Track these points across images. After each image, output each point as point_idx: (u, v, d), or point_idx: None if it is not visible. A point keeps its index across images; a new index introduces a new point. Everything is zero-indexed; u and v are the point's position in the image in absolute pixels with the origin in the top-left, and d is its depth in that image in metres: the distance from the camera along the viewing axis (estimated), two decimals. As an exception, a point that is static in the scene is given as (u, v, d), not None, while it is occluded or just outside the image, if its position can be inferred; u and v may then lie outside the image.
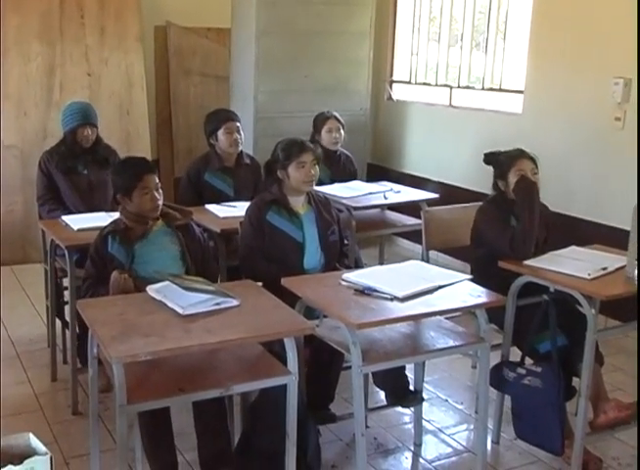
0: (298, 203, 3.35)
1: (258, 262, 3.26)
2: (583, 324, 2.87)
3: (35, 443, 1.54)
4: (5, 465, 1.45)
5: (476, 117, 5.62)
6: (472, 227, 3.44)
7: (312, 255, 3.31)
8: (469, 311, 3.06)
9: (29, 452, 1.52)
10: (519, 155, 3.33)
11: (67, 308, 3.86)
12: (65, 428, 3.36)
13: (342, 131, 4.74)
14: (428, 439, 3.38)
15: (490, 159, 3.41)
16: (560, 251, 3.25)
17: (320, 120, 4.76)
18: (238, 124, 4.23)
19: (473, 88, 5.80)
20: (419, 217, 3.93)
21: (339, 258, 3.43)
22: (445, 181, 5.75)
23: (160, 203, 3.03)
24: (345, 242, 3.54)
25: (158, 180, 3.04)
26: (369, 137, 6.37)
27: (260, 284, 2.99)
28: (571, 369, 3.06)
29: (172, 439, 2.77)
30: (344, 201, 4.25)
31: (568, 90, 4.81)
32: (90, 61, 5.97)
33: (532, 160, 3.32)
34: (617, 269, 3.01)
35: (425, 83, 6.29)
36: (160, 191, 3.03)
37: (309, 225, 3.33)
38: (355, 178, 4.84)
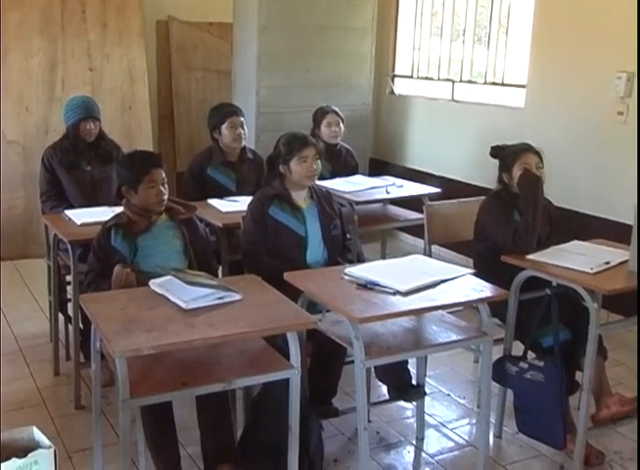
0: (301, 197, 3.35)
1: (261, 257, 3.26)
2: (586, 318, 2.87)
3: (39, 436, 1.54)
4: (9, 458, 1.45)
5: (478, 112, 5.61)
6: (475, 221, 3.44)
7: (315, 249, 3.31)
8: (471, 306, 3.06)
9: (33, 446, 1.52)
10: (524, 148, 3.33)
11: (69, 303, 3.87)
12: (67, 422, 3.36)
13: (341, 125, 4.75)
14: (430, 433, 3.38)
15: (497, 152, 3.41)
16: (562, 245, 3.25)
17: (319, 115, 4.77)
18: (242, 119, 4.23)
19: (475, 83, 5.79)
20: (421, 212, 3.93)
21: (341, 252, 3.43)
22: (447, 176, 5.75)
23: (166, 197, 3.04)
24: (348, 236, 3.54)
25: (164, 175, 3.04)
26: (371, 132, 6.36)
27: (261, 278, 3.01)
28: (575, 363, 3.06)
29: (175, 433, 2.77)
30: (346, 195, 4.26)
31: (570, 84, 4.81)
32: (92, 56, 5.97)
33: (538, 154, 3.32)
34: (620, 264, 3.01)
35: (427, 78, 6.28)
36: (166, 186, 3.04)
37: (312, 220, 3.33)
38: (356, 173, 4.85)
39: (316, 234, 3.32)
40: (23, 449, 1.51)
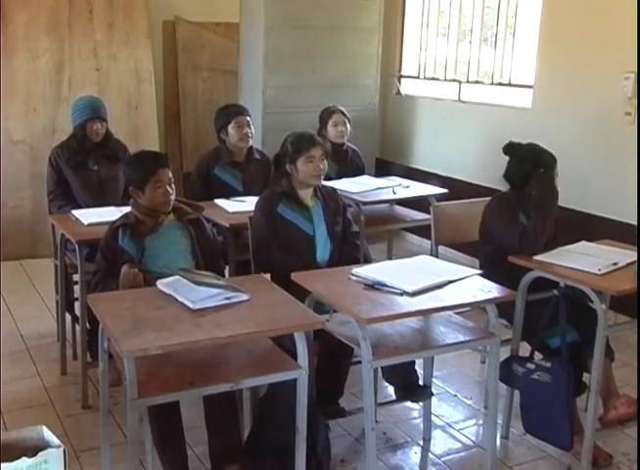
0: (307, 196, 3.36)
1: (272, 253, 3.26)
2: (594, 320, 2.87)
3: (49, 435, 1.55)
4: (18, 457, 1.45)
5: (485, 112, 5.60)
6: (480, 223, 3.43)
7: (323, 247, 3.31)
8: (478, 306, 3.05)
9: (43, 445, 1.52)
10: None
11: (76, 303, 3.87)
12: (75, 422, 3.37)
13: (347, 125, 4.74)
14: (437, 434, 3.38)
15: (516, 150, 3.35)
16: (570, 246, 3.24)
17: (326, 115, 4.77)
18: (248, 119, 4.23)
19: (482, 83, 5.79)
20: (428, 212, 3.93)
21: (350, 249, 3.42)
22: (454, 176, 5.74)
23: (173, 198, 3.04)
24: (355, 229, 3.52)
25: (171, 175, 3.05)
26: (377, 132, 6.36)
27: (269, 276, 3.01)
28: (582, 365, 3.06)
29: (182, 433, 2.78)
30: (353, 196, 4.25)
31: (578, 85, 4.80)
32: (99, 56, 5.98)
33: None
34: (628, 264, 3.00)
35: (433, 78, 6.28)
36: (173, 186, 3.04)
37: (318, 218, 3.33)
38: (363, 173, 4.84)
39: (323, 232, 3.32)
40: (33, 448, 1.51)
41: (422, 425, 3.36)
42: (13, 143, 5.68)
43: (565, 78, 4.88)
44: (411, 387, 3.22)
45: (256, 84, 5.77)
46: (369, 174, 4.99)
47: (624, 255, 3.11)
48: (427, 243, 4.50)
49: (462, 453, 3.25)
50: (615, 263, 3.00)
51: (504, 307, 3.03)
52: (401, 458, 3.19)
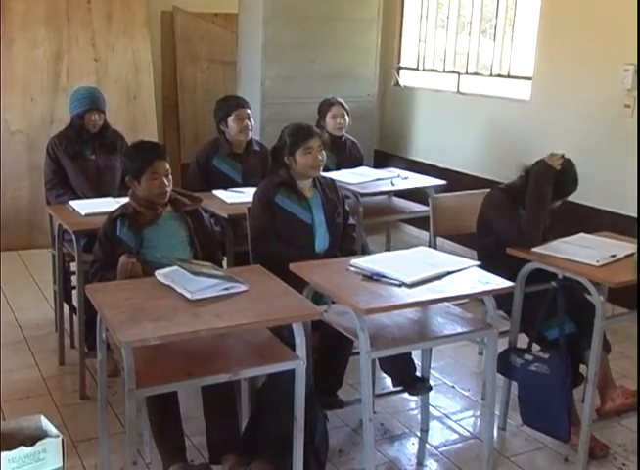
0: (306, 187, 3.35)
1: (271, 243, 3.26)
2: (591, 311, 2.87)
3: (47, 425, 1.55)
4: (17, 447, 1.45)
5: (483, 104, 5.59)
6: (478, 215, 3.43)
7: (322, 237, 3.31)
8: (477, 298, 3.05)
9: (41, 434, 1.52)
10: None
11: (74, 293, 3.87)
12: (73, 412, 3.37)
13: (346, 117, 4.73)
14: (434, 425, 3.39)
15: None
16: (568, 238, 3.24)
17: (325, 106, 4.76)
18: (248, 111, 4.22)
19: (481, 75, 5.77)
20: (426, 204, 3.92)
21: (347, 241, 3.42)
22: (452, 168, 5.73)
23: (169, 189, 3.02)
24: (350, 221, 3.52)
25: (168, 167, 3.03)
26: (376, 123, 6.35)
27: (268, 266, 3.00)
28: (579, 356, 3.06)
29: (180, 423, 2.78)
30: (352, 187, 4.25)
31: (577, 77, 4.79)
32: (97, 46, 5.96)
33: None
34: (627, 256, 3.01)
35: (432, 70, 6.26)
36: (170, 178, 3.03)
37: (317, 208, 3.33)
38: (361, 164, 4.83)
39: (321, 221, 3.32)
40: (31, 438, 1.51)
41: (419, 416, 3.37)
42: (11, 133, 5.66)
43: (564, 70, 4.87)
44: (409, 378, 3.22)
45: (255, 75, 5.75)
46: (367, 166, 4.98)
47: (623, 247, 3.11)
48: (425, 234, 4.50)
49: (459, 444, 3.26)
50: (613, 255, 3.00)
51: (502, 299, 3.03)
52: (399, 449, 3.20)
